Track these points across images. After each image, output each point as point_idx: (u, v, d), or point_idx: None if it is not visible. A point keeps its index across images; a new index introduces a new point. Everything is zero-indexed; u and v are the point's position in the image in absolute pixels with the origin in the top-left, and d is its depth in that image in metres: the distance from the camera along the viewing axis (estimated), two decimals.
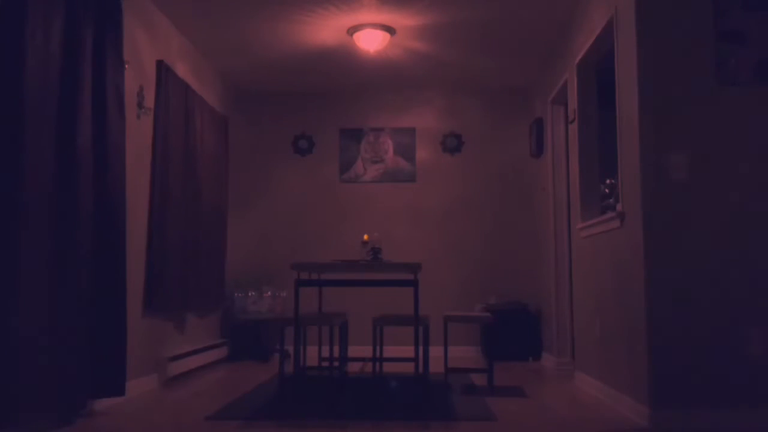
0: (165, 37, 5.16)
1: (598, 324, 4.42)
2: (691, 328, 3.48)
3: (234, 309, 6.60)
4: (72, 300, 3.50)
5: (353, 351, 6.42)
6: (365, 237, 4.88)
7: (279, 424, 3.52)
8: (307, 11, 5.11)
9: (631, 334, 3.73)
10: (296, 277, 4.75)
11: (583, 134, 4.95)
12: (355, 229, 6.95)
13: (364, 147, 7.10)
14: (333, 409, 3.90)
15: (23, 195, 3.12)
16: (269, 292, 6.57)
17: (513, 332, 6.40)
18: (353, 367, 5.88)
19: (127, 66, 4.26)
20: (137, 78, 4.59)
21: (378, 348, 5.93)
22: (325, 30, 5.47)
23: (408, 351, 6.65)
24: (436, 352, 6.65)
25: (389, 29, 5.41)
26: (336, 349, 5.70)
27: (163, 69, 4.94)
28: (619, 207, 3.91)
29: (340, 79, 6.79)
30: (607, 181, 5.78)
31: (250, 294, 6.55)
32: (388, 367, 5.77)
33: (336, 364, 5.05)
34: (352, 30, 5.40)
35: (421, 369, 4.53)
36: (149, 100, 4.78)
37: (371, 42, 5.42)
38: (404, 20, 5.28)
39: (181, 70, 5.49)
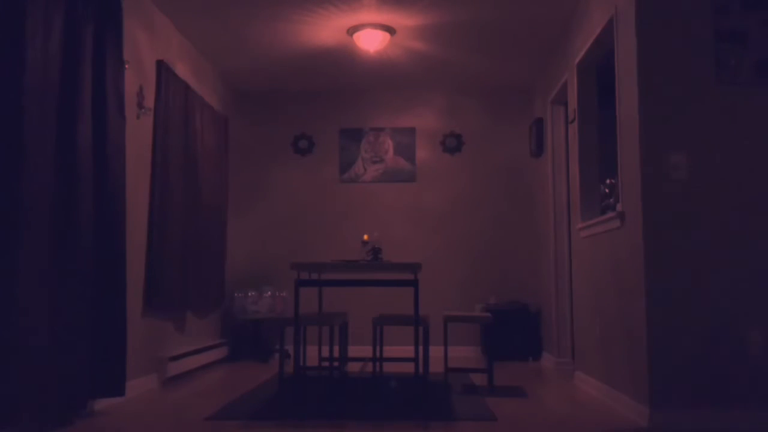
0: (165, 37, 5.16)
1: (598, 324, 4.42)
2: (690, 328, 3.48)
3: (234, 309, 6.60)
4: (72, 300, 3.50)
5: (353, 351, 6.43)
6: (365, 237, 4.88)
7: (279, 424, 3.52)
8: (307, 11, 5.11)
9: (631, 334, 3.73)
10: (296, 277, 4.75)
11: (583, 134, 4.95)
12: (355, 229, 6.95)
13: (364, 147, 7.10)
14: (333, 409, 3.90)
15: (23, 195, 3.11)
16: (269, 292, 6.57)
17: (513, 332, 6.41)
18: (353, 367, 5.88)
19: (127, 66, 4.26)
20: (137, 78, 4.59)
21: (378, 348, 5.94)
22: (325, 30, 5.47)
23: (408, 351, 6.66)
24: (436, 352, 6.65)
25: (389, 29, 5.41)
26: (336, 349, 5.70)
27: (163, 69, 4.94)
28: (619, 207, 3.91)
29: (340, 79, 6.79)
30: (607, 181, 5.78)
31: (250, 294, 6.55)
32: (388, 367, 5.77)
33: (336, 364, 5.05)
34: (352, 30, 5.40)
35: (421, 369, 4.53)
36: (149, 100, 4.78)
37: (371, 42, 5.42)
38: (404, 20, 5.28)
39: (181, 70, 5.49)
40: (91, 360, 3.71)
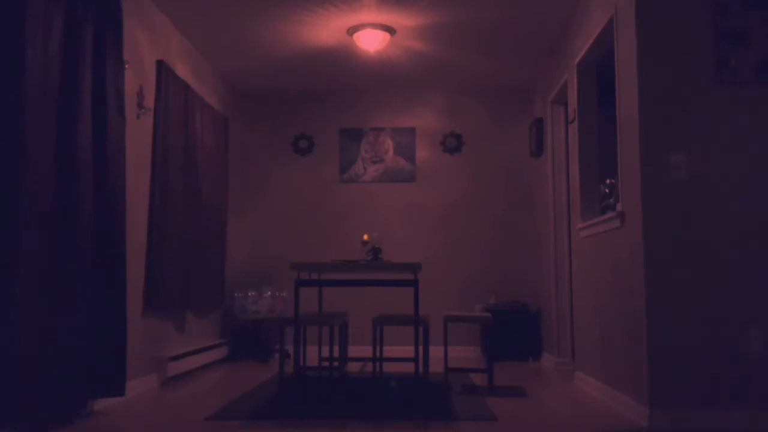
0: (165, 37, 5.16)
1: (598, 324, 4.42)
2: (690, 328, 3.48)
3: (234, 309, 6.60)
4: (72, 300, 3.50)
5: (353, 351, 6.43)
6: (365, 237, 4.88)
7: (279, 424, 3.52)
8: (307, 11, 5.11)
9: (631, 334, 3.73)
10: (296, 277, 4.75)
11: (583, 134, 4.95)
12: (355, 229, 6.95)
13: (364, 147, 7.10)
14: (333, 409, 3.90)
15: (23, 195, 3.11)
16: (269, 292, 6.57)
17: (513, 332, 6.40)
18: (353, 367, 5.88)
19: (127, 66, 4.26)
20: (137, 78, 4.59)
21: (378, 348, 5.94)
22: (325, 30, 5.47)
23: (408, 351, 6.66)
24: (436, 352, 6.65)
25: (389, 29, 5.41)
26: (336, 349, 5.70)
27: (163, 69, 4.94)
28: (619, 207, 3.91)
29: (340, 79, 6.79)
30: (607, 181, 5.78)
31: (250, 294, 6.56)
32: (388, 367, 5.77)
33: (336, 364, 5.05)
34: (352, 30, 5.40)
35: (421, 369, 4.53)
36: (149, 100, 4.78)
37: (371, 42, 5.42)
38: (404, 20, 5.28)
39: (181, 70, 5.49)
40: (91, 360, 3.71)
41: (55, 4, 3.42)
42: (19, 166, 3.10)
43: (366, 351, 6.46)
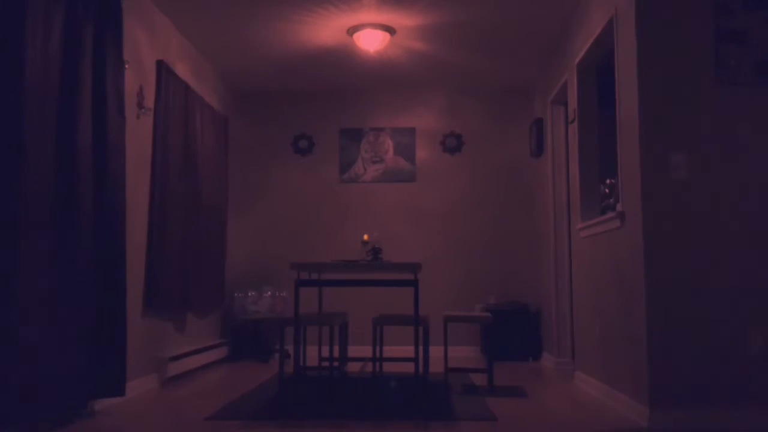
0: (165, 37, 5.16)
1: (598, 324, 4.42)
2: (690, 329, 3.48)
3: (234, 309, 6.60)
4: (72, 300, 3.50)
5: (353, 351, 6.43)
6: (365, 237, 4.88)
7: (279, 424, 3.52)
8: (307, 11, 5.11)
9: (631, 333, 3.73)
10: (296, 277, 4.75)
11: (583, 134, 4.95)
12: (355, 229, 6.95)
13: (364, 147, 7.10)
14: (333, 409, 3.90)
15: (23, 195, 3.11)
16: (269, 292, 6.57)
17: (513, 332, 6.40)
18: (353, 367, 5.88)
19: (127, 66, 4.26)
20: (137, 78, 4.59)
21: (378, 348, 5.94)
22: (325, 30, 5.47)
23: (408, 351, 6.66)
24: (436, 352, 6.65)
25: (389, 29, 5.41)
26: (336, 349, 5.70)
27: (163, 69, 4.94)
28: (619, 207, 3.91)
29: (340, 79, 6.79)
30: (607, 181, 5.78)
31: (250, 294, 6.55)
32: (388, 367, 5.77)
33: (336, 364, 5.05)
34: (352, 30, 5.40)
35: (421, 369, 4.53)
36: (149, 100, 4.78)
37: (371, 42, 5.42)
38: (404, 20, 5.28)
39: (181, 70, 5.49)
40: (91, 360, 3.71)
41: (55, 4, 3.42)
42: (19, 165, 3.10)
43: (366, 351, 6.46)
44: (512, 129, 7.06)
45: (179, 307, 5.23)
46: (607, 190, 5.82)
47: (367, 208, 7.04)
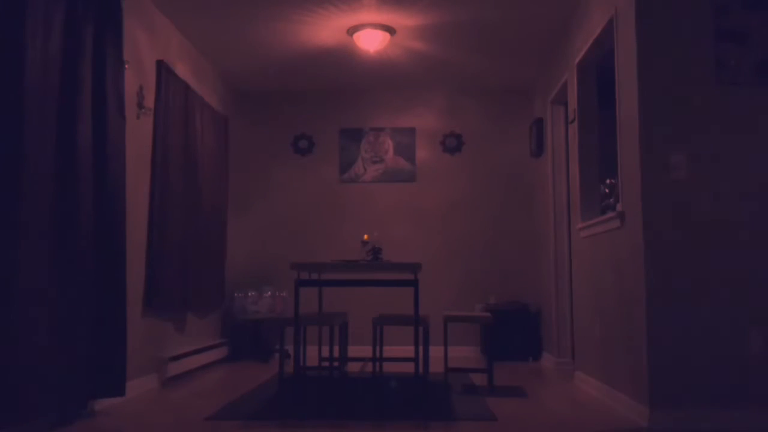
0: (165, 37, 5.16)
1: (598, 324, 4.42)
2: (690, 328, 3.48)
3: (234, 309, 6.60)
4: (72, 300, 3.50)
5: (353, 351, 6.43)
6: (365, 237, 4.88)
7: (279, 424, 3.52)
8: (307, 11, 5.11)
9: (631, 334, 3.73)
10: (296, 277, 4.75)
11: (583, 134, 4.95)
12: (355, 229, 6.95)
13: (364, 147, 7.10)
14: (333, 409, 3.90)
15: (23, 195, 3.11)
16: (269, 292, 6.57)
17: (513, 332, 6.40)
18: (353, 367, 5.88)
19: (127, 66, 4.26)
20: (137, 78, 4.60)
21: (378, 348, 5.95)
22: (325, 30, 5.47)
23: (408, 351, 6.66)
24: (436, 352, 6.65)
25: (389, 29, 5.41)
26: (336, 349, 5.70)
27: (163, 69, 4.94)
28: (619, 207, 3.91)
29: (340, 79, 6.79)
30: (607, 181, 5.78)
31: (250, 294, 6.56)
32: (388, 367, 5.77)
33: (336, 364, 5.05)
34: (352, 30, 5.40)
35: (421, 369, 4.53)
36: (149, 100, 4.78)
37: (371, 42, 5.42)
38: (404, 20, 5.28)
39: (181, 70, 5.49)
40: (91, 360, 3.71)
41: (55, 4, 3.42)
42: (19, 166, 3.10)
43: (366, 351, 6.46)
44: (512, 129, 7.06)
45: (179, 307, 5.23)
46: (607, 190, 5.82)
47: (367, 208, 7.04)
